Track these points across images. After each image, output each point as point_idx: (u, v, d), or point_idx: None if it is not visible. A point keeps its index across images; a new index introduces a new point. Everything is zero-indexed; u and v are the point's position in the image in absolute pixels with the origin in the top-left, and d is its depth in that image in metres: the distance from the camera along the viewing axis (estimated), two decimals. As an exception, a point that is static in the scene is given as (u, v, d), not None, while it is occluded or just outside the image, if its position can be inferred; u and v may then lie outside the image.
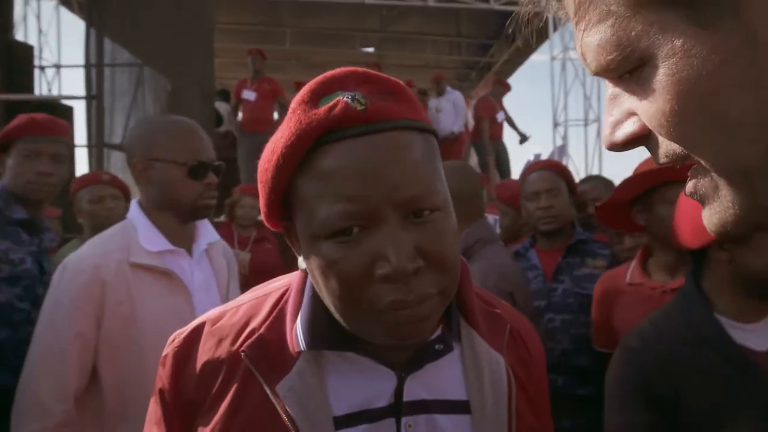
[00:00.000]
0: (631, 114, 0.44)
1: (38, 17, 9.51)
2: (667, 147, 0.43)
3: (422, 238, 0.64)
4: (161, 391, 0.80)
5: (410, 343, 0.71)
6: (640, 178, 1.89)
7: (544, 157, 7.55)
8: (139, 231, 1.56)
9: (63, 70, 9.89)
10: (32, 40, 8.51)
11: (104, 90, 4.65)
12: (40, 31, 9.50)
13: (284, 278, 0.86)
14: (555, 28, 9.84)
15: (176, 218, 1.61)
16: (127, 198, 2.88)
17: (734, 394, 1.21)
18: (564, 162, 6.46)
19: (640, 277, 1.92)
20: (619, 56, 0.41)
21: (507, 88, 8.41)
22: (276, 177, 0.66)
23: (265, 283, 0.88)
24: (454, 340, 0.78)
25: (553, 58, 10.26)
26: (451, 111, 7.63)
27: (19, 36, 7.96)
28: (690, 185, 0.44)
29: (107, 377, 1.47)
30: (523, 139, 8.43)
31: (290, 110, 0.67)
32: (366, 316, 0.65)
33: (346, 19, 10.40)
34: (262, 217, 0.74)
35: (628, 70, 0.42)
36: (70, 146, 2.14)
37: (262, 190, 0.70)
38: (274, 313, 0.79)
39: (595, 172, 9.23)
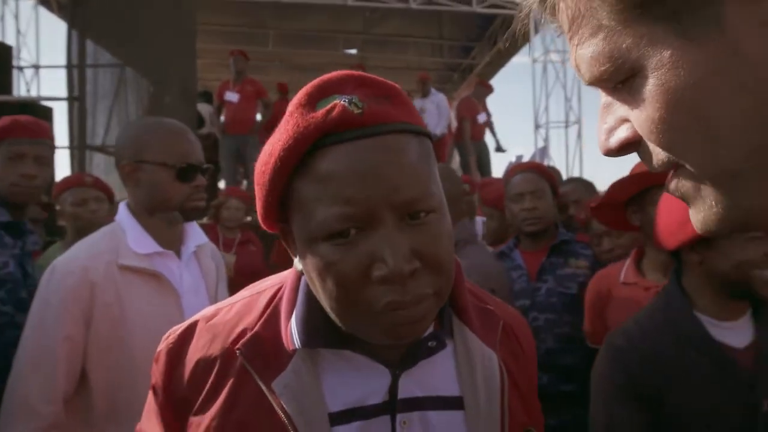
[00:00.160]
0: (624, 121, 0.47)
1: (16, 17, 9.39)
2: (656, 153, 0.45)
3: (418, 239, 0.65)
4: (155, 387, 0.81)
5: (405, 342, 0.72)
6: (632, 179, 1.93)
7: (526, 158, 7.62)
8: (127, 233, 1.56)
9: (42, 71, 9.77)
10: (10, 40, 8.40)
11: (86, 91, 4.60)
12: (18, 31, 9.38)
13: (277, 277, 0.87)
14: (536, 31, 9.92)
15: (165, 220, 1.61)
16: (111, 200, 2.86)
17: (714, 389, 1.25)
18: (545, 163, 6.53)
19: (635, 277, 1.95)
20: (611, 67, 0.44)
21: (489, 89, 8.48)
22: (273, 180, 0.67)
23: (258, 282, 0.89)
24: (447, 337, 0.79)
25: (534, 61, 10.36)
26: (435, 113, 7.67)
27: (-4, 36, 7.85)
28: (672, 184, 0.47)
29: (96, 379, 1.47)
30: (499, 149, 8.53)
31: (287, 113, 0.68)
32: (363, 316, 0.66)
33: (329, 20, 10.40)
34: (258, 219, 0.75)
35: (621, 80, 0.44)
36: (53, 148, 2.12)
37: (259, 192, 0.71)
38: (268, 311, 0.79)
39: (575, 173, 9.34)
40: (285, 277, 0.85)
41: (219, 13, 9.69)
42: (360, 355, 0.75)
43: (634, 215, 1.93)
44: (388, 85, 0.70)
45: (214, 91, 7.86)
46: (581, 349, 2.20)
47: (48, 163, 2.18)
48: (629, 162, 1.92)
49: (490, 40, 11.42)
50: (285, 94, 8.28)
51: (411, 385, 0.76)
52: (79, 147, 4.64)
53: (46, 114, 5.04)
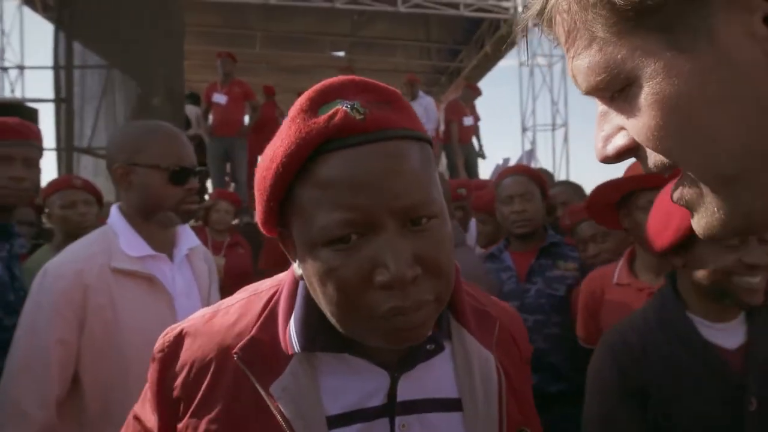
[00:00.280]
0: (621, 129, 0.49)
1: (0, 17, 9.29)
2: (654, 158, 0.47)
3: (420, 245, 0.65)
4: (150, 386, 0.82)
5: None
6: (614, 184, 1.97)
7: (513, 160, 7.67)
8: (120, 236, 1.56)
9: (26, 72, 9.66)
10: (-6, 41, 8.31)
11: (74, 93, 4.57)
12: (2, 32, 9.28)
13: (273, 279, 0.87)
14: (524, 36, 9.98)
15: (162, 221, 1.61)
16: (100, 203, 2.84)
17: (703, 388, 1.27)
18: (533, 165, 6.58)
19: (628, 278, 1.97)
20: (607, 77, 0.46)
21: (477, 92, 8.53)
22: (275, 185, 0.67)
23: (254, 284, 0.89)
24: (445, 339, 0.80)
25: (521, 64, 10.44)
26: (423, 116, 7.68)
27: (-20, 36, 7.76)
28: (677, 193, 0.49)
29: (89, 382, 1.47)
30: (480, 155, 8.58)
31: (289, 118, 0.68)
32: (363, 322, 0.66)
33: (317, 23, 10.41)
34: (258, 223, 0.75)
35: (617, 89, 0.46)
36: (41, 150, 2.11)
37: (260, 197, 0.71)
38: (265, 314, 0.79)
39: (562, 175, 9.41)
40: (281, 279, 0.85)
41: (206, 15, 9.65)
42: (359, 358, 0.75)
43: (624, 218, 1.96)
44: (389, 90, 0.70)
45: (200, 92, 7.83)
46: (570, 349, 2.23)
47: (36, 165, 2.17)
48: (616, 166, 1.95)
49: (477, 44, 11.49)
50: (272, 96, 8.25)
51: (410, 388, 0.76)
52: (66, 149, 4.60)
53: (32, 115, 4.99)
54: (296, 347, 0.75)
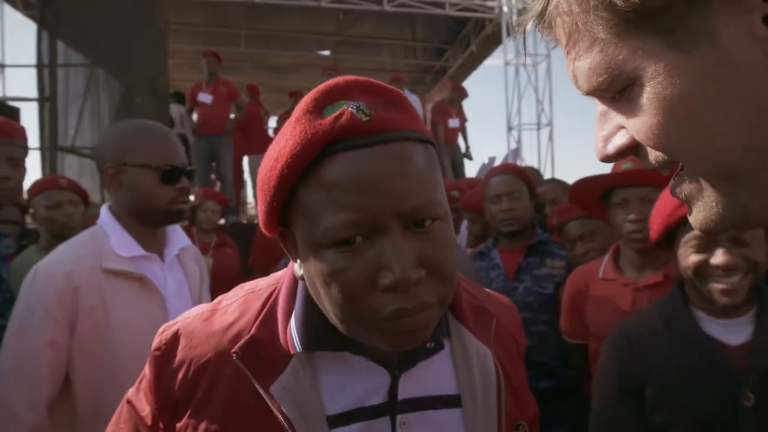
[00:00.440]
0: (621, 128, 0.50)
1: (-20, 15, 9.13)
2: (655, 155, 0.48)
3: (424, 247, 0.65)
4: (148, 383, 0.81)
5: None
6: (588, 183, 2.01)
7: (499, 159, 7.71)
8: (110, 236, 1.55)
9: (6, 70, 9.52)
10: (-26, 39, 8.17)
11: (57, 92, 4.51)
12: (-19, 30, 9.12)
13: (271, 278, 0.87)
14: (508, 34, 10.04)
15: (148, 223, 1.60)
16: (86, 203, 2.81)
17: (698, 381, 1.29)
18: (518, 164, 6.61)
19: (613, 273, 1.99)
20: (608, 78, 0.47)
21: (463, 94, 8.57)
22: (279, 186, 0.66)
23: (251, 282, 0.88)
24: (444, 336, 0.81)
25: (506, 63, 10.46)
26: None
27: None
28: (676, 187, 0.50)
29: (80, 383, 1.46)
30: (467, 156, 8.63)
31: (294, 119, 0.67)
32: (367, 323, 0.66)
33: (302, 21, 10.37)
34: (260, 223, 0.74)
35: (618, 90, 0.47)
36: (26, 149, 2.09)
37: (263, 197, 0.70)
38: (264, 313, 0.79)
39: (547, 173, 9.47)
40: (279, 278, 0.85)
41: (190, 13, 9.58)
42: (359, 356, 0.75)
43: (607, 214, 1.99)
44: (393, 91, 0.70)
45: (185, 91, 7.77)
46: (558, 347, 2.25)
47: (21, 164, 2.14)
48: (601, 166, 1.99)
49: (463, 43, 11.52)
50: (256, 95, 8.22)
51: (410, 386, 0.77)
52: (50, 148, 4.55)
53: (14, 114, 4.92)
54: (297, 346, 0.75)
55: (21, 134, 2.18)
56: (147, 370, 0.82)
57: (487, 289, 0.98)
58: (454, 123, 8.11)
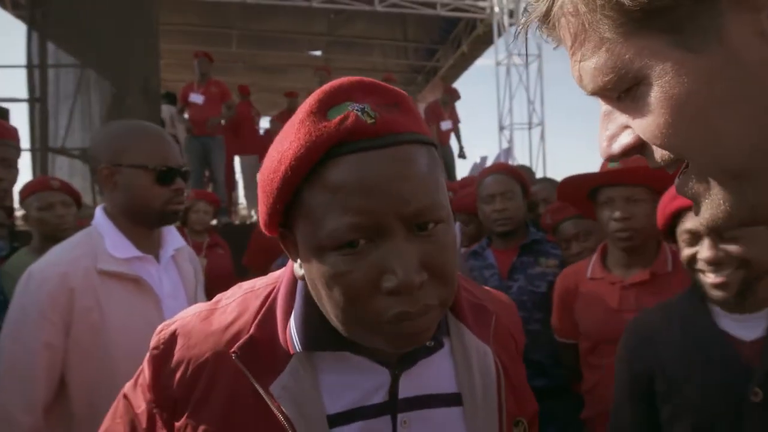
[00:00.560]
0: (626, 127, 0.50)
1: (-32, 16, 9.06)
2: (661, 154, 0.48)
3: (426, 250, 0.65)
4: (146, 381, 0.81)
5: None
6: (573, 183, 2.02)
7: (491, 159, 7.74)
8: (105, 238, 1.54)
9: (-4, 71, 9.44)
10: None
11: (48, 92, 4.48)
12: (-30, 30, 9.03)
13: (269, 277, 0.87)
14: (500, 34, 10.08)
15: (143, 224, 1.60)
16: (79, 204, 2.80)
17: (707, 374, 1.29)
18: (510, 163, 6.64)
19: (601, 272, 2.01)
20: (615, 77, 0.47)
21: (456, 95, 8.60)
22: (282, 187, 0.66)
23: (250, 281, 0.88)
24: (444, 335, 0.81)
25: (498, 63, 10.49)
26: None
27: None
28: (682, 185, 0.50)
29: (76, 385, 1.45)
30: (461, 155, 8.67)
31: (298, 120, 0.67)
32: (369, 326, 0.66)
33: (294, 22, 10.36)
34: (260, 223, 0.74)
35: (624, 89, 0.47)
36: (19, 150, 2.07)
37: (265, 199, 0.70)
38: (263, 312, 0.79)
39: (539, 173, 9.51)
40: (278, 277, 0.85)
41: (182, 13, 9.55)
42: (358, 356, 0.75)
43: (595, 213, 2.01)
44: (396, 92, 0.70)
45: (176, 91, 7.75)
46: (551, 345, 2.26)
47: (14, 165, 2.13)
48: (593, 165, 2.02)
49: (454, 43, 11.55)
50: (247, 96, 8.20)
51: (411, 385, 0.77)
52: (41, 149, 4.51)
53: (3, 115, 4.89)
54: (297, 346, 0.75)
55: (13, 135, 2.17)
56: (145, 368, 0.82)
57: (486, 287, 0.99)
58: (446, 125, 8.14)
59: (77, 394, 1.45)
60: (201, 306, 0.86)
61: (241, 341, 0.76)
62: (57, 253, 1.53)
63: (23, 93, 4.74)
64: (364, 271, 0.64)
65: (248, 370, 0.74)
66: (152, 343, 0.82)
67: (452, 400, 0.79)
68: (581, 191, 2.01)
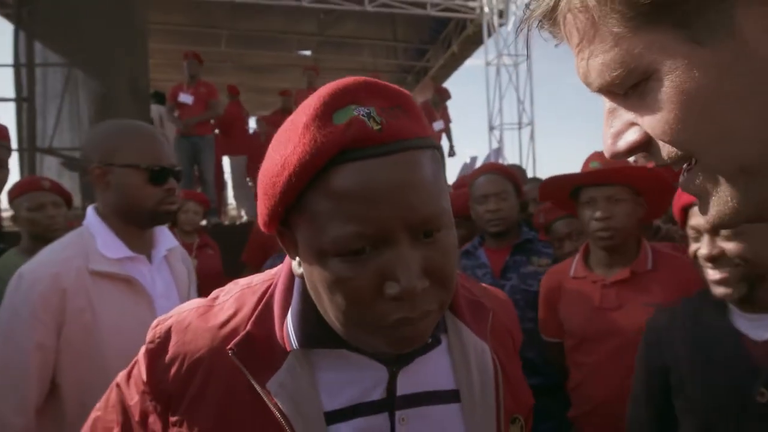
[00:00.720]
0: (632, 124, 0.49)
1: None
2: (668, 151, 0.48)
3: (429, 256, 0.65)
4: (141, 375, 0.81)
5: None
6: (555, 183, 2.05)
7: (481, 159, 7.75)
8: (97, 238, 1.53)
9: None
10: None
11: (35, 92, 4.44)
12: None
13: (266, 273, 0.87)
14: (489, 35, 10.10)
15: (136, 224, 1.59)
16: (69, 205, 2.77)
17: (715, 374, 1.30)
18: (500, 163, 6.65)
19: (583, 271, 2.03)
20: (623, 73, 0.46)
21: (446, 96, 8.61)
22: (286, 192, 0.65)
23: (246, 278, 0.88)
24: (441, 332, 0.82)
25: (487, 64, 10.51)
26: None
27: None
28: (685, 182, 0.49)
29: (68, 386, 1.44)
30: (451, 153, 8.70)
31: (302, 124, 0.65)
32: (369, 329, 0.66)
33: (283, 21, 10.32)
34: (259, 222, 0.74)
35: (631, 85, 0.46)
36: (10, 150, 2.05)
37: (266, 201, 0.69)
38: (260, 309, 0.79)
39: (529, 173, 9.54)
40: (275, 274, 0.85)
41: (170, 13, 9.48)
42: (355, 353, 0.76)
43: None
44: (400, 93, 0.69)
45: (165, 91, 7.70)
46: (545, 340, 2.27)
47: (5, 165, 2.11)
48: (579, 164, 2.04)
49: (444, 43, 11.56)
50: (236, 96, 8.17)
51: (408, 382, 0.77)
52: (29, 149, 4.47)
53: (-10, 115, 4.85)
54: (294, 344, 0.75)
55: (4, 134, 2.14)
56: (140, 361, 0.82)
57: (483, 284, 0.99)
58: (438, 125, 8.15)
59: (69, 395, 1.44)
60: (198, 301, 0.85)
61: (238, 338, 0.76)
62: (48, 253, 1.52)
63: (10, 92, 4.70)
64: (367, 277, 0.64)
65: (245, 367, 0.74)
66: (148, 336, 0.82)
67: (450, 396, 0.80)
68: (563, 191, 2.04)
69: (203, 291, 0.91)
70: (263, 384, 0.73)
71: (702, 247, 1.29)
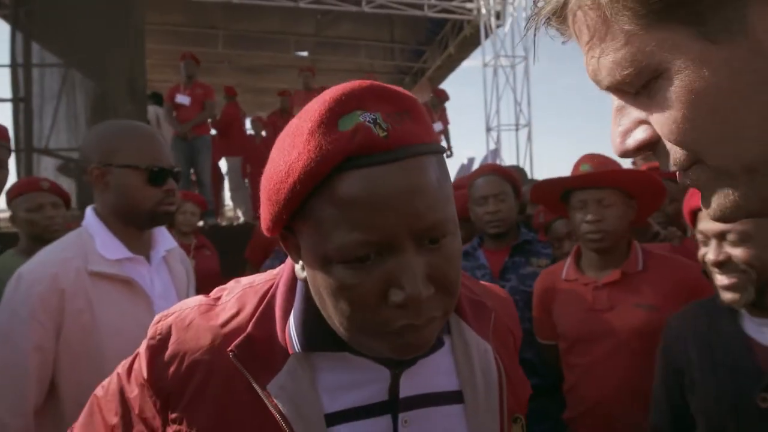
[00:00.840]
0: (641, 123, 0.49)
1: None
2: (674, 153, 0.47)
3: (434, 263, 0.65)
4: (137, 368, 0.81)
5: None
6: (545, 187, 2.06)
7: (478, 160, 7.77)
8: (96, 238, 1.52)
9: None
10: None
11: (32, 92, 4.43)
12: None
13: (267, 273, 0.86)
14: (486, 36, 10.11)
15: (135, 225, 1.59)
16: (68, 206, 2.76)
17: (721, 377, 1.30)
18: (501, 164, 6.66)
19: (575, 274, 2.05)
20: (633, 71, 0.45)
21: (445, 97, 8.63)
22: (290, 198, 0.65)
23: (248, 277, 0.88)
24: (444, 332, 0.81)
25: (485, 65, 10.53)
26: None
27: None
28: (683, 177, 0.49)
29: (66, 387, 1.43)
30: (449, 154, 8.77)
31: (306, 130, 0.64)
32: (373, 335, 0.66)
33: (280, 22, 10.32)
34: (262, 226, 0.73)
35: (642, 83, 0.46)
36: (10, 150, 2.04)
37: (270, 207, 0.69)
38: (261, 310, 0.79)
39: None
40: (276, 274, 0.84)
41: (168, 13, 9.47)
42: (359, 356, 0.75)
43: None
44: (406, 97, 0.68)
45: (161, 91, 7.69)
46: (540, 343, 2.28)
47: (5, 165, 2.10)
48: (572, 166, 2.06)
49: (441, 44, 11.57)
50: (233, 97, 8.16)
51: (411, 384, 0.77)
52: (25, 150, 4.46)
53: (-13, 115, 4.83)
54: (296, 346, 0.75)
55: (3, 134, 2.14)
56: (141, 356, 0.82)
57: (483, 282, 0.99)
58: (437, 127, 8.16)
59: (68, 396, 1.44)
60: (200, 299, 0.85)
61: (239, 340, 0.76)
62: (47, 254, 1.51)
63: (7, 93, 4.69)
64: (372, 284, 0.64)
65: (245, 368, 0.74)
66: (149, 332, 0.82)
67: (453, 397, 0.79)
68: (554, 194, 2.05)
69: (201, 292, 0.91)
70: (263, 386, 0.73)
71: (709, 253, 1.29)
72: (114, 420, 0.85)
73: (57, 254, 1.50)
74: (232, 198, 8.67)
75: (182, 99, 6.63)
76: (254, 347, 0.76)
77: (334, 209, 0.62)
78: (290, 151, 0.65)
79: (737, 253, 1.25)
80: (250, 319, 0.78)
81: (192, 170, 6.91)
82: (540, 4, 0.50)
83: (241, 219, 8.36)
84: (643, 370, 1.68)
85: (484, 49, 10.35)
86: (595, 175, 1.90)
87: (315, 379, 0.75)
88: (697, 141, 0.45)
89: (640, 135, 0.49)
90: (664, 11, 0.42)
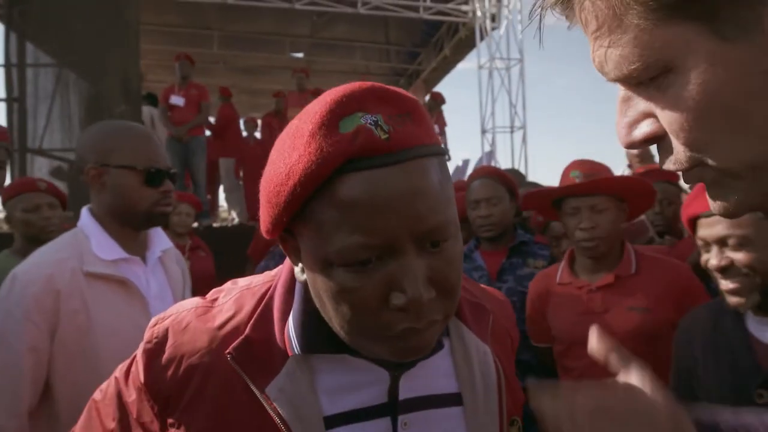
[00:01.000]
0: (648, 115, 0.48)
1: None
2: (678, 153, 0.47)
3: (435, 266, 0.65)
4: (135, 371, 0.81)
5: None
6: (536, 197, 2.07)
7: (473, 162, 7.77)
8: (91, 239, 1.52)
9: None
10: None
11: (26, 92, 4.41)
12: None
13: (265, 275, 0.86)
14: (482, 38, 10.13)
15: (131, 226, 1.58)
16: (64, 206, 2.75)
17: (722, 374, 1.31)
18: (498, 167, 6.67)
19: (569, 277, 2.05)
20: (641, 66, 0.44)
21: (441, 100, 8.65)
22: (291, 201, 0.64)
23: (246, 278, 0.88)
24: (444, 335, 0.81)
25: (480, 67, 10.54)
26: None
27: None
28: (688, 174, 0.48)
29: (61, 388, 1.42)
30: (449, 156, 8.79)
31: (307, 132, 0.63)
32: (374, 338, 0.66)
33: (276, 23, 10.31)
34: (261, 229, 0.73)
35: (650, 77, 0.45)
36: (9, 151, 2.03)
37: (270, 209, 0.68)
38: (259, 311, 0.79)
39: (520, 176, 9.57)
40: (274, 275, 0.84)
41: (163, 14, 9.44)
42: (357, 358, 0.75)
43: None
44: (408, 99, 0.68)
45: (156, 92, 7.67)
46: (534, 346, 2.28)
47: (4, 166, 2.09)
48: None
49: (436, 46, 11.59)
50: (228, 98, 8.15)
51: (411, 386, 0.77)
52: (19, 150, 4.44)
53: (-20, 115, 4.81)
54: (296, 349, 0.74)
55: (3, 135, 2.12)
56: (138, 360, 0.81)
57: (482, 285, 0.99)
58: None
59: (63, 397, 1.43)
60: (197, 301, 0.84)
61: (237, 342, 0.75)
62: (42, 254, 1.51)
63: (1, 92, 4.67)
64: (373, 287, 0.63)
65: (244, 371, 0.74)
66: (146, 335, 0.82)
67: (452, 400, 0.79)
68: (546, 202, 2.06)
69: (196, 293, 0.90)
70: (262, 389, 0.73)
71: (711, 259, 1.29)
72: (112, 425, 0.84)
73: (52, 255, 1.49)
74: (227, 199, 8.65)
75: (177, 100, 6.62)
76: (252, 349, 0.75)
77: (335, 212, 0.62)
78: (290, 153, 0.65)
79: (739, 257, 1.26)
80: (248, 321, 0.78)
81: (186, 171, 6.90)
82: None
83: (236, 220, 8.34)
84: None
85: (480, 52, 10.37)
86: (588, 184, 1.91)
87: (314, 381, 0.75)
88: (706, 143, 0.44)
89: (646, 128, 0.48)
90: (676, 7, 0.41)
